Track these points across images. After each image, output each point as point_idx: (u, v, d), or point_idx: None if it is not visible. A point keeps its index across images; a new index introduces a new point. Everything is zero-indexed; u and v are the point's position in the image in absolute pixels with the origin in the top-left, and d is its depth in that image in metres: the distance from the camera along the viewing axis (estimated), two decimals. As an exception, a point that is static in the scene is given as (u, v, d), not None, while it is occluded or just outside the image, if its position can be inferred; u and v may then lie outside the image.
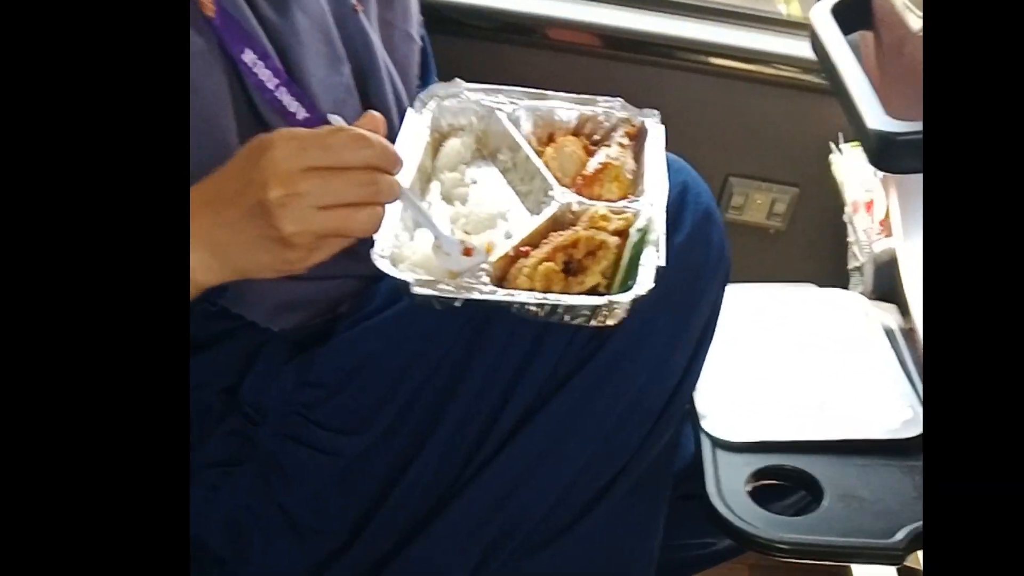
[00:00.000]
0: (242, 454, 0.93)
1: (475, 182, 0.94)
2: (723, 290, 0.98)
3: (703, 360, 0.98)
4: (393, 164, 0.74)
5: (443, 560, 0.96)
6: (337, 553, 0.95)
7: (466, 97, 0.96)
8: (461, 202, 0.92)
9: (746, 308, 1.21)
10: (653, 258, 0.82)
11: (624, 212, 0.87)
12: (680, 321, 0.94)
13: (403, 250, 0.83)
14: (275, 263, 0.74)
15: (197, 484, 0.93)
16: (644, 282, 0.80)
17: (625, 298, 0.79)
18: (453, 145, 0.95)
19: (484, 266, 0.82)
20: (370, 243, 0.80)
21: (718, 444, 1.03)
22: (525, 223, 0.88)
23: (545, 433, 0.93)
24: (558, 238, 0.85)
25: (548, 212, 0.87)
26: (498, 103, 0.96)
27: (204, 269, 0.75)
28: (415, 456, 0.93)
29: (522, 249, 0.85)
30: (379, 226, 0.74)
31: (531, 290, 0.81)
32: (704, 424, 1.05)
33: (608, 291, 0.82)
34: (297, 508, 0.94)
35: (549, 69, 1.45)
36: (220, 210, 0.74)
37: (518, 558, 0.98)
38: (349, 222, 0.73)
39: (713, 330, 0.98)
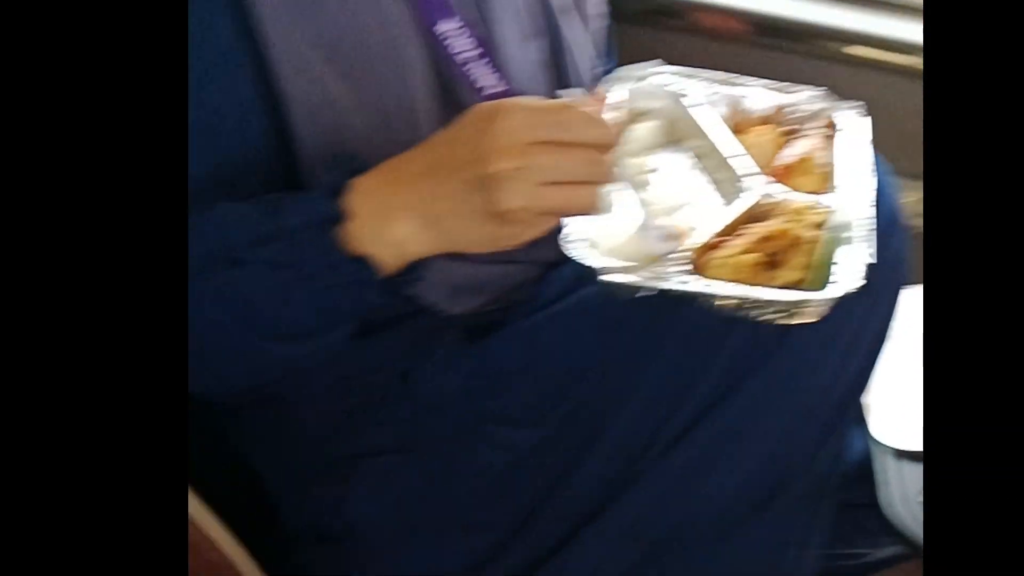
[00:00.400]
0: (413, 443, 0.91)
1: (656, 169, 0.91)
2: (899, 294, 0.94)
3: (876, 364, 0.95)
4: (614, 145, 0.72)
5: (601, 559, 0.93)
6: (499, 547, 0.93)
7: (656, 80, 0.93)
8: (643, 189, 0.89)
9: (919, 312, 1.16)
10: (862, 255, 0.78)
11: (820, 207, 0.84)
12: (858, 325, 0.91)
13: (592, 235, 0.81)
14: (488, 238, 0.72)
15: (367, 472, 0.91)
16: (850, 279, 0.77)
17: (830, 295, 0.76)
18: (640, 130, 0.91)
19: (680, 254, 0.79)
20: (556, 228, 0.78)
21: (892, 452, 0.99)
22: (715, 213, 0.84)
23: (718, 434, 0.90)
24: (759, 229, 0.81)
25: (746, 202, 0.83)
26: (689, 88, 0.93)
27: (414, 240, 0.72)
28: (586, 451, 0.90)
29: (716, 239, 0.82)
30: (596, 207, 0.72)
31: (724, 281, 0.78)
32: (876, 431, 1.01)
33: (801, 287, 0.79)
34: (465, 501, 0.91)
35: (697, 55, 1.41)
36: (439, 180, 0.71)
37: (676, 562, 0.95)
38: (571, 201, 0.70)
39: (887, 334, 0.94)
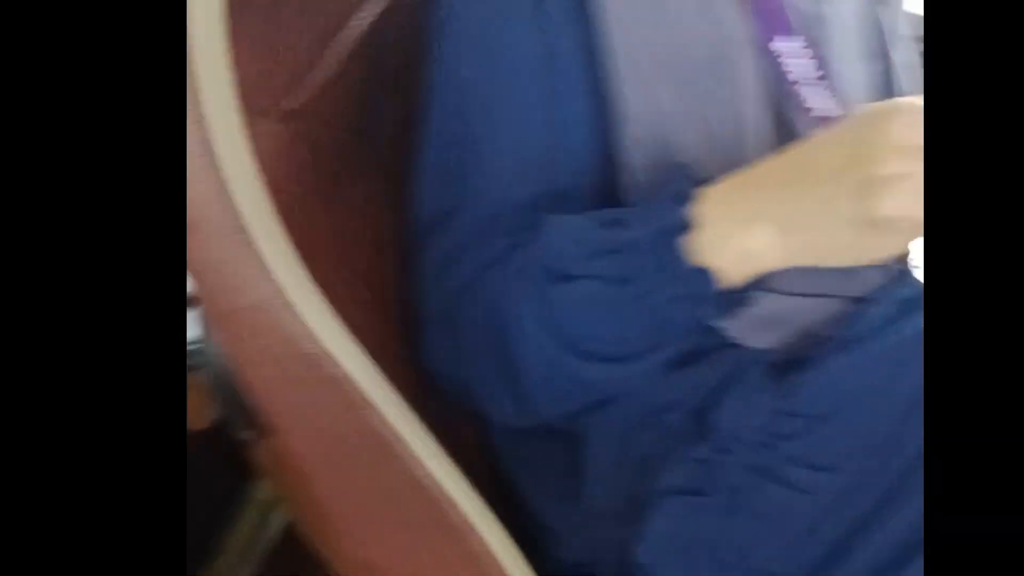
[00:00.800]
0: (708, 485, 0.85)
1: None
2: None
3: None
4: None
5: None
6: (787, 600, 0.87)
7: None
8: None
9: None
10: None
11: None
12: None
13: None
14: (855, 248, 0.67)
15: (658, 513, 0.86)
16: None
17: None
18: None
19: None
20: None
21: None
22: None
23: None
24: None
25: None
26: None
27: (768, 250, 0.68)
28: (895, 499, 0.84)
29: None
30: None
31: None
32: None
33: None
34: (756, 548, 0.86)
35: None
36: (809, 183, 0.67)
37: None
38: None
39: None
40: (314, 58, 0.79)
